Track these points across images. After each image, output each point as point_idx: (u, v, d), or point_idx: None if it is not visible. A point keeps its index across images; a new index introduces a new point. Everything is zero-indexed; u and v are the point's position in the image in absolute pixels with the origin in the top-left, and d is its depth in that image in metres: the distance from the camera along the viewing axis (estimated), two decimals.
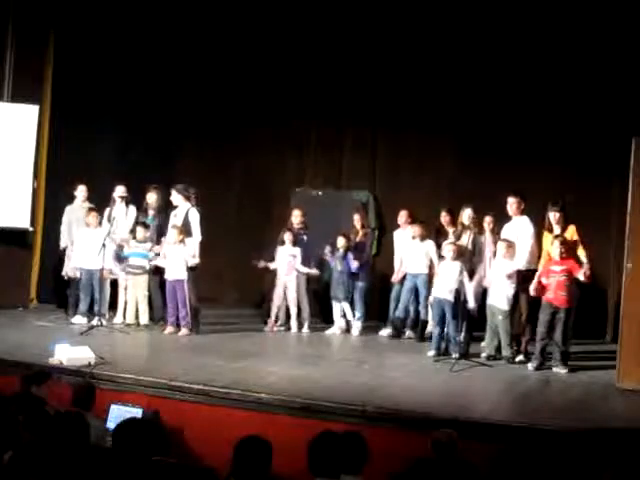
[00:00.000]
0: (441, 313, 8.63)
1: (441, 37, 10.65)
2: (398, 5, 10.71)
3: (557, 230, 8.38)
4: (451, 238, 9.27)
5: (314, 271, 10.11)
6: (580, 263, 8.18)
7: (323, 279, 10.50)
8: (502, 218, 8.91)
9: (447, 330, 8.57)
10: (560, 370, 8.06)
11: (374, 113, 11.34)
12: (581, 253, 8.24)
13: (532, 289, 8.22)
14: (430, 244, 9.63)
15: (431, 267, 9.53)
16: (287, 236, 10.00)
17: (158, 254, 9.71)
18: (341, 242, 9.98)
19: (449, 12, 10.48)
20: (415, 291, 9.67)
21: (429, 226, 9.81)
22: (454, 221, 9.53)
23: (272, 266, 10.07)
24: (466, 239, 9.00)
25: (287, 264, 9.98)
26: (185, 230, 9.58)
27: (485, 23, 10.36)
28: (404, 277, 9.82)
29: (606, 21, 9.71)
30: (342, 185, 11.73)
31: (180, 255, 9.45)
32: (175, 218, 9.76)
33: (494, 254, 8.74)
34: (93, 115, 11.24)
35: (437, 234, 9.78)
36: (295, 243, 10.00)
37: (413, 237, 9.72)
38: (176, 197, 9.78)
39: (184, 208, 9.75)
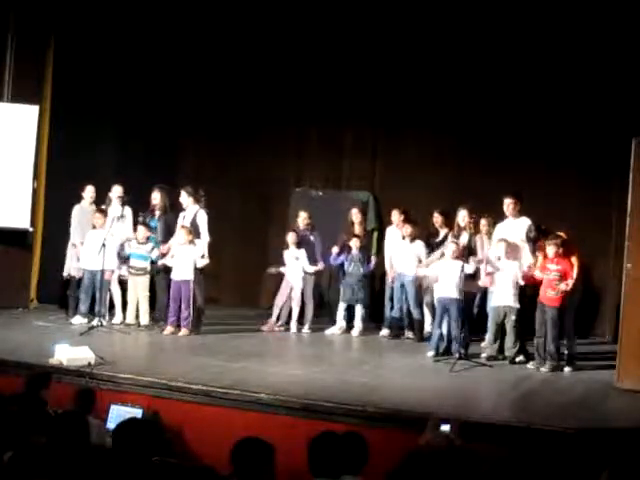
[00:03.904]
0: (444, 313, 8.60)
1: (441, 37, 10.65)
2: (398, 5, 10.71)
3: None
4: (446, 238, 9.30)
5: (319, 267, 10.07)
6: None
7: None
8: (499, 219, 8.93)
9: (451, 329, 8.53)
10: (545, 368, 8.11)
11: (374, 113, 11.34)
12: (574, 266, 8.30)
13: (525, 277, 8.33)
14: (420, 245, 9.63)
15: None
16: (290, 238, 10.02)
17: (164, 254, 9.71)
18: (356, 243, 9.96)
19: (449, 12, 10.48)
20: (405, 291, 9.68)
21: (421, 227, 9.82)
22: (447, 222, 9.55)
23: (283, 269, 10.11)
24: (464, 240, 9.01)
25: (292, 266, 10.00)
26: (193, 231, 9.60)
27: (485, 23, 10.36)
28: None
29: (606, 21, 9.72)
30: (342, 185, 11.73)
31: (189, 256, 9.45)
32: (183, 220, 9.77)
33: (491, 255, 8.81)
34: (93, 115, 11.24)
35: (429, 235, 9.79)
36: (299, 244, 10.01)
37: (403, 237, 9.73)
38: (185, 198, 9.78)
39: (192, 209, 9.76)
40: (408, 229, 9.66)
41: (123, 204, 10.08)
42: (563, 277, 8.14)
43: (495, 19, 10.28)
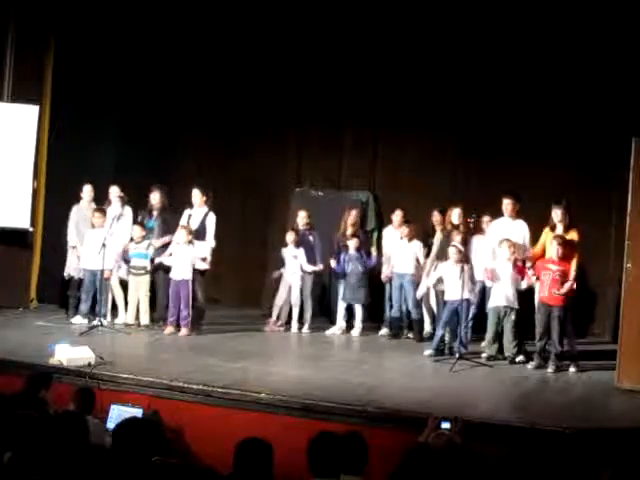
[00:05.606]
0: (453, 316, 8.56)
1: (441, 37, 10.64)
2: (398, 5, 10.71)
3: (560, 229, 8.38)
4: (441, 238, 9.30)
5: (319, 267, 10.04)
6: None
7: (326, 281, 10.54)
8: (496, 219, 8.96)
9: (459, 330, 8.49)
10: (550, 369, 8.10)
11: (374, 113, 11.33)
12: (572, 266, 8.25)
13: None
14: (418, 245, 9.65)
15: (417, 268, 9.57)
16: (289, 237, 10.00)
17: (165, 246, 9.70)
18: (354, 243, 9.92)
19: (449, 12, 10.47)
20: (404, 291, 9.67)
21: (418, 226, 9.82)
22: (445, 221, 9.55)
23: (284, 271, 10.07)
24: (456, 239, 8.99)
25: (291, 265, 9.98)
26: (200, 233, 9.60)
27: (485, 23, 10.35)
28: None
29: (606, 21, 9.72)
30: (342, 185, 11.71)
31: (187, 255, 9.44)
32: (190, 218, 9.76)
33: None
34: (93, 115, 11.25)
35: (428, 234, 9.79)
36: (299, 243, 10.00)
37: (401, 237, 9.74)
38: (198, 197, 9.78)
39: (202, 210, 9.77)
40: (405, 229, 9.68)
41: (123, 204, 10.09)
42: (566, 274, 8.15)
43: (495, 19, 10.27)
